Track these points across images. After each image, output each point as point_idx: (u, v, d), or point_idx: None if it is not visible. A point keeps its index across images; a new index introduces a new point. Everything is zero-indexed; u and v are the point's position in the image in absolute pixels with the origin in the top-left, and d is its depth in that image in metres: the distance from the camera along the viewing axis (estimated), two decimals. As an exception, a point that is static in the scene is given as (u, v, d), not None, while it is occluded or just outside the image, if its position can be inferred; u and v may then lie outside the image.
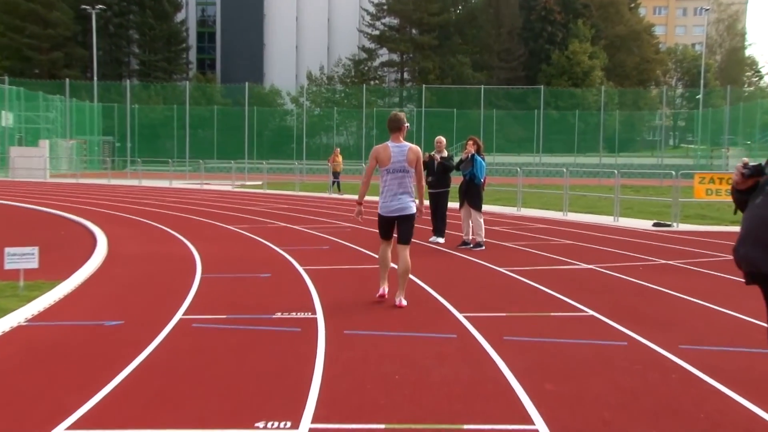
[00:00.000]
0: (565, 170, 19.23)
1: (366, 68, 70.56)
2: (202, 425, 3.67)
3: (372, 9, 70.93)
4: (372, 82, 67.20)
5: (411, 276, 7.88)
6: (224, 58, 76.80)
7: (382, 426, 3.69)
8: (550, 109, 58.59)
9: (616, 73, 70.94)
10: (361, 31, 71.44)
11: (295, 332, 5.58)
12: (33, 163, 36.14)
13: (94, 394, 4.10)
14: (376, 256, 7.35)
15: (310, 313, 6.22)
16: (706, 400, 4.17)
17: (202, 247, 10.60)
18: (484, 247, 10.77)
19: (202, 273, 8.32)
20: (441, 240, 11.54)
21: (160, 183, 32.02)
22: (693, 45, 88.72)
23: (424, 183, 7.03)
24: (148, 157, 44.44)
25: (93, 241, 10.92)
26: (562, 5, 68.00)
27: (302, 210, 17.90)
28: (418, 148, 6.72)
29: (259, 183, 31.23)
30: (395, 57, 71.89)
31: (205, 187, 29.43)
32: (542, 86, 58.67)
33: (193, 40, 75.92)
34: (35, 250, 6.95)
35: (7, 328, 5.57)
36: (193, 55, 75.82)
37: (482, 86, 56.64)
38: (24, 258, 6.86)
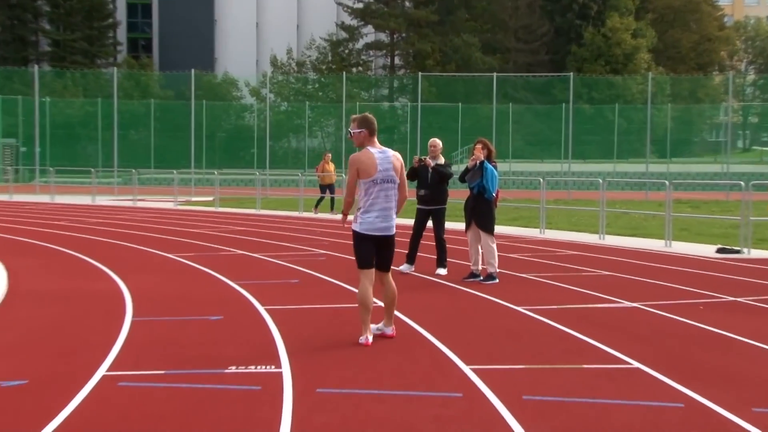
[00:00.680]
0: (601, 181, 19.35)
1: (346, 51, 70.68)
2: None
3: (354, -26, 71.45)
4: (354, 69, 67.43)
5: (404, 317, 7.93)
6: (163, 38, 76.81)
7: None
8: (582, 102, 58.89)
9: (667, 56, 71.39)
10: (339, 3, 71.52)
11: (254, 391, 5.57)
12: None
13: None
14: (356, 291, 7.38)
15: (273, 367, 6.22)
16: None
17: (134, 282, 10.57)
18: (497, 280, 10.81)
19: (134, 316, 8.29)
20: (443, 271, 11.59)
21: (80, 199, 31.90)
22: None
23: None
24: (64, 166, 44.22)
25: (-9, 275, 10.83)
26: (598, -32, 68.70)
27: (264, 234, 17.91)
28: (399, 155, 7.19)
29: (210, 199, 31.17)
30: (383, 37, 72.12)
31: (140, 204, 29.34)
32: (572, 73, 58.93)
33: (122, 14, 75.96)
34: None
35: None
36: (122, 34, 75.87)
37: (495, 74, 56.79)
38: None
